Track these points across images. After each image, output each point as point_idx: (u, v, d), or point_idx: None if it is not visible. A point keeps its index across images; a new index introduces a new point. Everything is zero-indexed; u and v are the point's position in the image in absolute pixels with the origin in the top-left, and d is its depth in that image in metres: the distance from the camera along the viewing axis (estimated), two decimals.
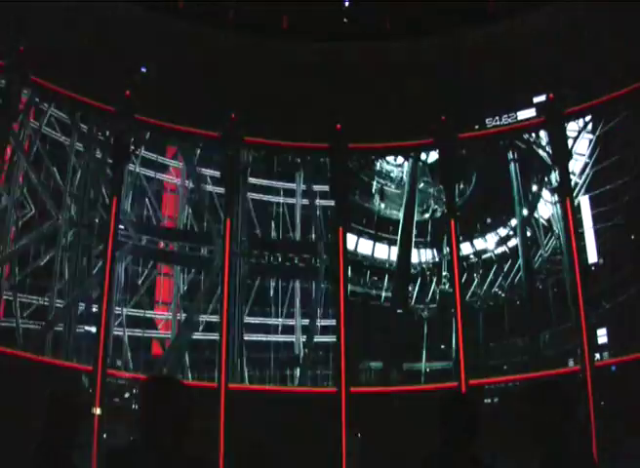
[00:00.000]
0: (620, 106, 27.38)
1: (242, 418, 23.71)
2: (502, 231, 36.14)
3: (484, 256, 35.86)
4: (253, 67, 27.81)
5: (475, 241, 36.28)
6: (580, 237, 28.92)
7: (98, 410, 23.41)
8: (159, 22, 26.83)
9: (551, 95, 27.29)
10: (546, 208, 32.90)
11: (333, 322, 29.46)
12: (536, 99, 27.93)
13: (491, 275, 34.94)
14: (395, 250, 33.31)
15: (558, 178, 27.87)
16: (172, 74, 27.07)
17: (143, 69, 27.25)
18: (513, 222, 34.22)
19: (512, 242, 34.76)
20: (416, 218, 32.77)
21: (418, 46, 28.19)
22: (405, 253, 32.11)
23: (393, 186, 36.76)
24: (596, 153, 30.47)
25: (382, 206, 36.78)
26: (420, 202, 33.98)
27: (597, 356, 26.20)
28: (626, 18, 24.40)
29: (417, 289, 34.85)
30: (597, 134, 30.42)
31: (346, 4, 30.44)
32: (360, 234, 36.10)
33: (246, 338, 31.19)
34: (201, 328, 32.11)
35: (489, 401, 26.05)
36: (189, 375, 29.56)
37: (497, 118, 28.60)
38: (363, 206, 36.30)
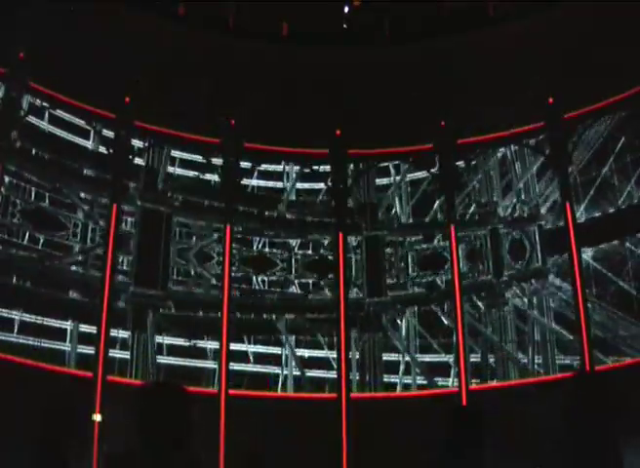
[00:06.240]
0: (621, 110, 27.39)
1: (242, 425, 23.61)
2: None
3: None
4: (252, 72, 27.82)
5: None
6: None
7: (98, 417, 23.27)
8: (159, 28, 26.86)
9: (551, 99, 27.23)
10: None
11: None
12: (536, 103, 27.82)
13: None
14: None
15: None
16: (171, 79, 27.09)
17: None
18: None
19: None
20: None
21: (417, 50, 28.20)
22: None
23: None
24: None
25: None
26: None
27: None
28: (628, 19, 24.44)
29: None
30: None
31: (346, 9, 30.45)
32: None
33: None
34: None
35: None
36: None
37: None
38: None
